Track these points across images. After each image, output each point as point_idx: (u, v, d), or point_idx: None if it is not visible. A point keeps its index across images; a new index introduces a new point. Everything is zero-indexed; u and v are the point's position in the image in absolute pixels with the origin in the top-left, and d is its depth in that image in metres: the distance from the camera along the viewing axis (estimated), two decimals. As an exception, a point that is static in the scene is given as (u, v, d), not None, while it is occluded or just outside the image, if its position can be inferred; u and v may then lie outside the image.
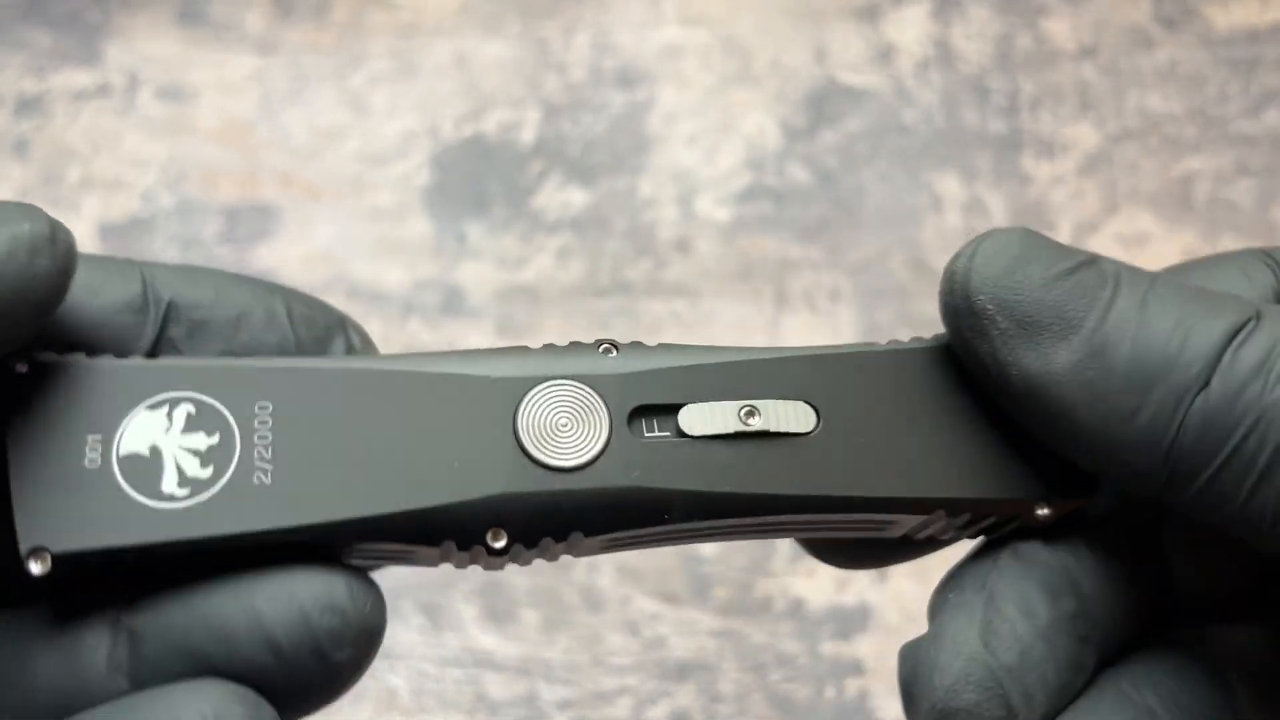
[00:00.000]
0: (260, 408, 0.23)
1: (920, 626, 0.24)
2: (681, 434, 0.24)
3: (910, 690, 0.23)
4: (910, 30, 0.57)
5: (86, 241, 0.52)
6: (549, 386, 0.23)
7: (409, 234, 0.53)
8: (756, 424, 0.24)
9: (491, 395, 0.23)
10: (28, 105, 0.56)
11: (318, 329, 0.25)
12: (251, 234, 0.53)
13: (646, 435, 0.24)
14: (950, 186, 0.54)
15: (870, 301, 0.52)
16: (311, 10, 0.58)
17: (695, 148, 0.55)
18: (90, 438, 0.22)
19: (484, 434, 0.23)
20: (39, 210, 0.22)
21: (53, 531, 0.21)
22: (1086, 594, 0.24)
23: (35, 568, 0.21)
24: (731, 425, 0.24)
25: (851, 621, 0.46)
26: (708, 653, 0.46)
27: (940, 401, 0.25)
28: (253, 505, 0.22)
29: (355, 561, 0.23)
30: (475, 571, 0.46)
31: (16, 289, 0.21)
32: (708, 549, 0.47)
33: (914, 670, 0.23)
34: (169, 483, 0.22)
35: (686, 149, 0.55)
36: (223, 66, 0.57)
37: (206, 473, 0.22)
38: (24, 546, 0.21)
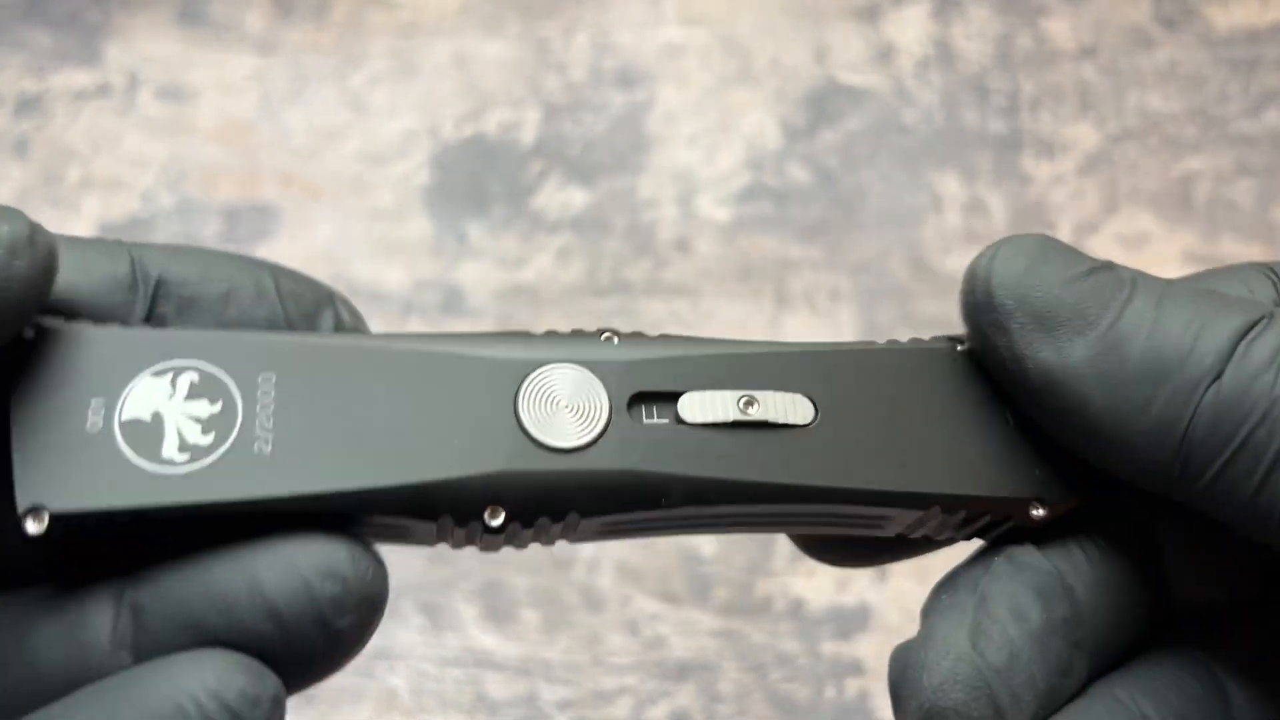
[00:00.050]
0: (264, 378, 0.23)
1: (920, 627, 0.24)
2: (680, 421, 0.24)
3: (899, 690, 0.24)
4: (910, 30, 0.57)
5: (86, 241, 0.52)
6: (551, 369, 0.24)
7: (409, 234, 0.53)
8: (755, 414, 0.24)
9: (494, 375, 0.23)
10: (28, 105, 0.56)
11: (306, 303, 0.25)
12: (251, 234, 0.53)
13: (646, 421, 0.24)
14: (950, 186, 0.54)
15: (870, 301, 0.52)
16: (311, 10, 0.58)
17: (695, 147, 0.55)
18: (93, 401, 0.22)
19: (485, 413, 0.23)
20: (18, 213, 0.22)
21: (51, 491, 0.21)
22: (1080, 599, 0.24)
23: (32, 526, 0.21)
24: (730, 414, 0.24)
25: (851, 621, 0.46)
26: (708, 653, 0.46)
27: (937, 401, 0.25)
28: (253, 473, 0.22)
29: None
30: (475, 571, 0.46)
31: None
32: (708, 549, 0.47)
33: (903, 670, 0.24)
34: (169, 448, 0.22)
35: (686, 149, 0.55)
36: (223, 66, 0.57)
37: (207, 440, 0.22)
38: (22, 505, 0.21)
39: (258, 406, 0.22)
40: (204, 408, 0.22)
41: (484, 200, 0.54)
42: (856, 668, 0.45)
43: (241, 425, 0.22)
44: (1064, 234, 0.53)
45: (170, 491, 0.21)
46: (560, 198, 0.54)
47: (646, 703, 0.45)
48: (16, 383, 0.22)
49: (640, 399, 0.24)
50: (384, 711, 0.45)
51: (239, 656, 0.21)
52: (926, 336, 0.26)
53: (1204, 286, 0.25)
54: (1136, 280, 0.24)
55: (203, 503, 0.21)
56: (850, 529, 0.25)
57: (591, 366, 0.24)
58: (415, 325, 0.51)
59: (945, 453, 0.24)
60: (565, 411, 0.23)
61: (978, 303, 0.24)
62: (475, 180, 0.54)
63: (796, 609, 0.46)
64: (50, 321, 0.22)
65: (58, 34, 0.57)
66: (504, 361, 0.24)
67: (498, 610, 0.46)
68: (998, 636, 0.23)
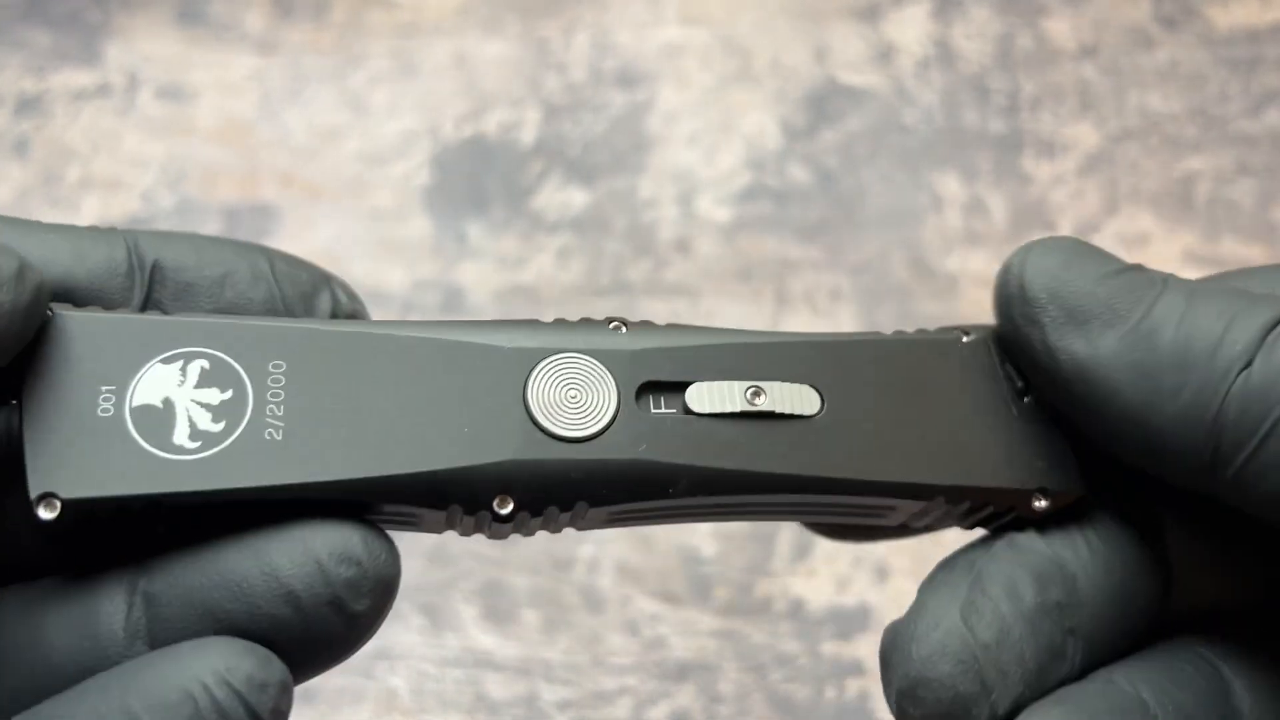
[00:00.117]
0: (274, 366, 0.23)
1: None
2: (688, 411, 0.24)
3: (888, 659, 0.24)
4: (910, 30, 0.57)
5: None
6: (559, 359, 0.24)
7: (409, 234, 0.53)
8: (762, 404, 0.24)
9: (503, 364, 0.24)
10: (28, 105, 0.56)
11: (303, 285, 0.25)
12: (251, 234, 0.53)
13: (654, 410, 0.24)
14: (950, 186, 0.54)
15: (870, 301, 0.52)
16: (311, 10, 0.58)
17: (695, 147, 0.55)
18: (104, 388, 0.22)
19: (494, 402, 0.23)
20: (7, 249, 0.22)
21: (63, 478, 0.21)
22: (1080, 587, 0.24)
23: (44, 513, 0.21)
24: (737, 404, 0.24)
25: (852, 622, 0.46)
26: (708, 653, 0.46)
27: (943, 392, 0.25)
28: (263, 460, 0.22)
29: None
30: (475, 572, 0.46)
31: None
32: (708, 549, 0.47)
33: (893, 640, 0.24)
34: (180, 435, 0.22)
35: (686, 149, 0.55)
36: (223, 66, 0.57)
37: (218, 427, 0.22)
38: (34, 492, 0.21)
39: (268, 394, 0.22)
40: (214, 395, 0.22)
41: (484, 200, 0.54)
42: (857, 668, 0.45)
43: (252, 413, 0.22)
44: (1064, 234, 0.53)
45: (181, 478, 0.22)
46: (560, 198, 0.54)
47: (646, 703, 0.45)
48: (28, 368, 0.22)
49: (648, 389, 0.24)
50: (384, 712, 0.45)
51: (244, 642, 0.21)
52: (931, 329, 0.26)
53: (1232, 285, 0.25)
54: (1168, 279, 0.24)
55: (214, 490, 0.22)
56: (854, 518, 0.26)
57: (600, 356, 0.24)
58: (415, 325, 0.51)
59: (950, 443, 0.25)
60: (574, 401, 0.23)
61: (1011, 295, 0.25)
62: (475, 180, 0.54)
63: (796, 609, 0.46)
64: (61, 308, 0.23)
65: (58, 34, 0.57)
66: (513, 351, 0.24)
67: (498, 611, 0.46)
68: (989, 613, 0.23)
